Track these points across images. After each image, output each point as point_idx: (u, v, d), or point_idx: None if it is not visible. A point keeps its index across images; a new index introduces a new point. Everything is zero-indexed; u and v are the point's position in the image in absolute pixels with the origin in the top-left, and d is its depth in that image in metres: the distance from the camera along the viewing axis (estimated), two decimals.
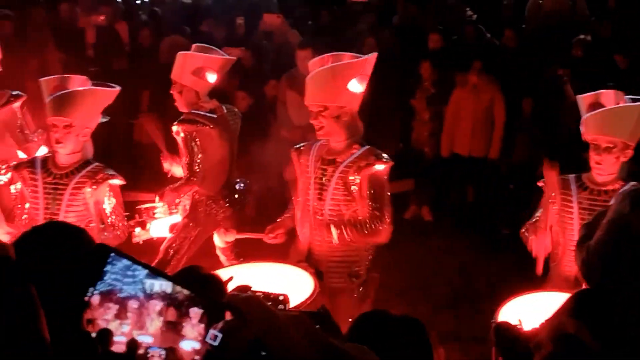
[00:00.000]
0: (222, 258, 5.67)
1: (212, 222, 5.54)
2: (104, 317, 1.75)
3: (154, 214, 5.22)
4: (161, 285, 1.74)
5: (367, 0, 9.13)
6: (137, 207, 5.26)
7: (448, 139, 7.95)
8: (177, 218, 5.40)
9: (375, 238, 4.48)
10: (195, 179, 5.35)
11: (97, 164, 4.63)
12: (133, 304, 1.75)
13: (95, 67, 8.10)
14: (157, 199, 5.26)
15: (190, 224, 5.44)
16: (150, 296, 1.75)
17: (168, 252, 5.39)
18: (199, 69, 5.33)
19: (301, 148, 4.69)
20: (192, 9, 9.67)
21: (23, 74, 7.47)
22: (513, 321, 2.94)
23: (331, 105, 4.43)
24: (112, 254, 1.77)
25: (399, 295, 6.22)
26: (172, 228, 5.36)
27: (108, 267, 1.76)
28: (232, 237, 5.43)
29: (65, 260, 2.37)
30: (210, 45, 5.80)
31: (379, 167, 4.41)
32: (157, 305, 1.74)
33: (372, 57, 4.49)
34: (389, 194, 4.48)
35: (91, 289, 1.77)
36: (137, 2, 10.46)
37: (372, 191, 4.42)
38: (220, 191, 5.48)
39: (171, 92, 5.47)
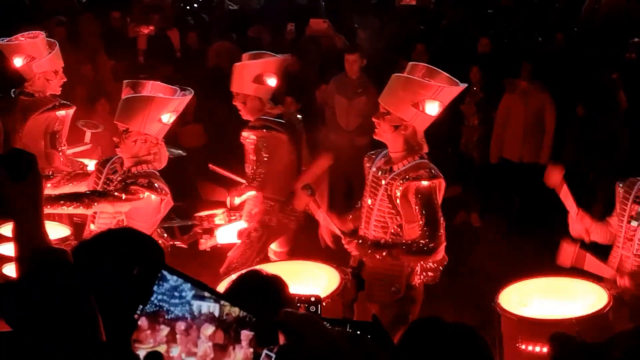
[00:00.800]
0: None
1: (283, 229, 5.52)
2: (153, 339, 1.72)
3: (214, 220, 5.24)
4: (209, 307, 1.72)
5: (416, 4, 9.05)
6: (197, 215, 5.27)
7: (497, 145, 7.85)
8: (243, 224, 5.38)
9: (427, 258, 4.42)
10: (256, 183, 5.34)
11: (147, 171, 4.59)
12: (181, 326, 1.72)
13: (145, 73, 8.18)
14: (228, 199, 5.29)
15: (259, 232, 5.39)
16: (198, 318, 1.72)
17: (232, 263, 5.34)
18: (258, 76, 5.37)
19: (372, 154, 4.69)
20: (239, 15, 9.70)
21: (74, 80, 7.62)
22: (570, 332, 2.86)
23: (393, 113, 4.40)
24: (163, 271, 1.75)
25: (446, 302, 6.16)
26: (240, 234, 5.35)
27: (155, 287, 1.73)
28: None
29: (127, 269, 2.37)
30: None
31: (425, 182, 4.33)
32: (207, 328, 1.71)
33: (453, 87, 4.43)
34: (438, 212, 4.39)
35: (141, 307, 1.76)
36: (186, 8, 10.52)
37: (421, 208, 4.34)
38: (290, 197, 5.43)
39: (234, 103, 5.50)
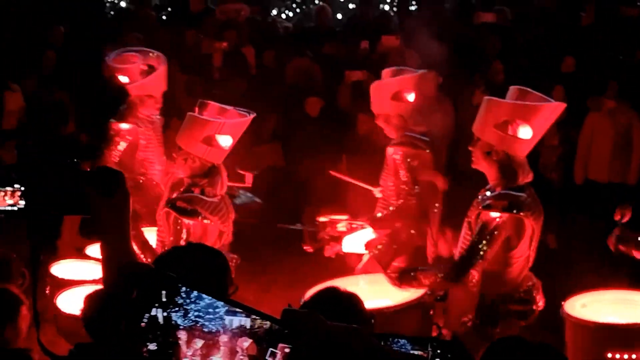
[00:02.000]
0: None
1: (410, 245, 5.45)
2: (191, 351, 1.82)
3: (336, 227, 5.19)
4: (240, 320, 1.81)
5: (495, 21, 8.91)
6: (320, 220, 5.26)
7: (582, 165, 7.65)
8: (371, 234, 5.34)
9: (445, 285, 4.39)
10: (412, 201, 5.32)
11: (189, 195, 4.68)
12: (218, 339, 1.82)
13: (219, 90, 8.22)
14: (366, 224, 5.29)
15: (388, 245, 5.32)
16: (231, 331, 1.81)
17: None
18: (397, 93, 5.32)
19: None
20: (315, 32, 9.70)
21: None
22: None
23: (482, 138, 4.26)
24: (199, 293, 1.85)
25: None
26: (368, 245, 5.30)
27: (192, 305, 1.84)
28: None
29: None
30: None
31: (494, 214, 4.16)
32: (242, 341, 1.81)
33: (548, 106, 4.25)
34: (485, 248, 4.19)
35: (147, 315, 1.85)
36: (261, 25, 10.56)
37: (474, 235, 4.20)
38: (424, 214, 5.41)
39: (376, 123, 5.47)
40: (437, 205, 5.45)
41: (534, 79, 8.05)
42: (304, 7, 12.99)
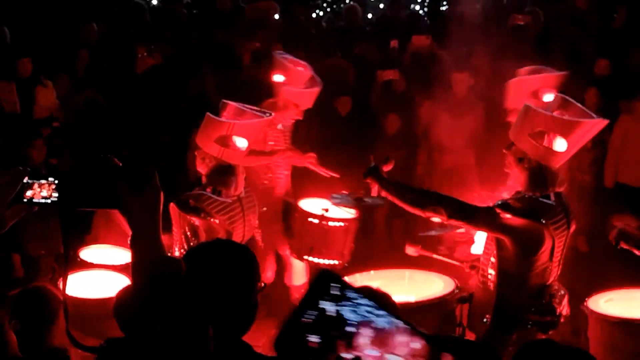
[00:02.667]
0: None
1: None
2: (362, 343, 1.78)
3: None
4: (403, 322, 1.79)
5: (526, 23, 8.83)
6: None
7: (613, 168, 7.57)
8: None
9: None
10: None
11: (196, 193, 4.74)
12: (390, 337, 1.77)
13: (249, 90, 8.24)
14: None
15: None
16: (401, 331, 1.77)
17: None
18: (535, 91, 5.23)
19: None
20: (346, 32, 9.69)
21: None
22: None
23: (516, 144, 4.22)
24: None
25: None
26: None
27: (362, 300, 1.80)
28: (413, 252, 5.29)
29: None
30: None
31: (508, 215, 4.13)
32: (414, 341, 1.76)
33: (587, 122, 4.15)
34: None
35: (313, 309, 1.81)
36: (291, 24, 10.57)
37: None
38: None
39: (508, 120, 5.31)
40: None
41: (566, 82, 8.04)
42: (334, 6, 13.01)
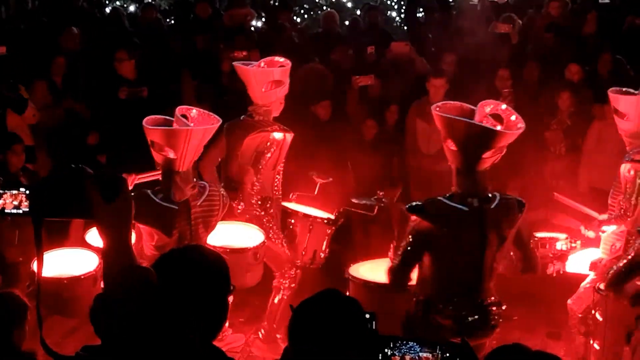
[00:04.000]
0: None
1: None
2: None
3: (555, 245, 5.18)
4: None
5: (507, 31, 8.91)
6: (540, 237, 5.24)
7: (587, 174, 7.66)
8: (598, 254, 5.20)
9: None
10: (631, 218, 5.13)
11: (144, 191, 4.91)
12: None
13: (228, 96, 8.26)
14: (582, 228, 5.32)
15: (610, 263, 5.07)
16: None
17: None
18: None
19: None
20: (322, 38, 9.73)
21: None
22: None
23: None
24: None
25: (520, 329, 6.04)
26: (593, 266, 5.15)
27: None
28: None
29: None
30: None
31: None
32: None
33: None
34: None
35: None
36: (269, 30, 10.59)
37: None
38: None
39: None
40: None
41: (541, 86, 8.14)
42: (311, 12, 13.04)
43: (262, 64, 6.03)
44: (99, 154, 7.67)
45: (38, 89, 7.95)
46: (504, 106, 4.50)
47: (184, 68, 8.88)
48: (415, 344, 2.60)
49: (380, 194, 6.21)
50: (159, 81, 8.44)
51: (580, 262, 5.20)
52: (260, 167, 5.88)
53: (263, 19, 10.76)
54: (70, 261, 5.26)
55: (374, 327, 2.92)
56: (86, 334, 4.18)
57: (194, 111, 5.03)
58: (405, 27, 10.72)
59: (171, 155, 4.79)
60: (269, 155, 5.88)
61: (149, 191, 4.84)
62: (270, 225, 5.91)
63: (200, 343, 2.41)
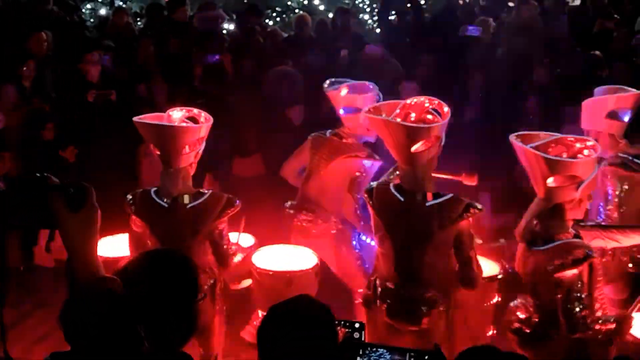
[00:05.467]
0: None
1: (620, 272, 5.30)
2: None
3: None
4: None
5: (478, 34, 8.97)
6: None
7: None
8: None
9: None
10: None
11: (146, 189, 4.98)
12: None
13: (200, 99, 8.22)
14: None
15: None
16: None
17: None
18: (612, 112, 5.22)
19: None
20: (294, 41, 9.72)
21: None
22: None
23: None
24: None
25: None
26: None
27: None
28: None
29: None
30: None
31: None
32: None
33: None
34: None
35: None
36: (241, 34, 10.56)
37: None
38: None
39: None
40: None
41: (510, 89, 8.19)
42: (284, 15, 13.02)
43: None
44: (60, 149, 7.55)
45: (5, 93, 7.86)
46: (436, 101, 4.61)
47: (156, 71, 8.83)
48: (385, 351, 2.62)
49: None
50: (129, 84, 8.40)
51: None
52: (358, 194, 5.63)
53: (233, 23, 10.73)
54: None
55: (362, 339, 2.92)
56: (56, 340, 4.15)
57: (181, 113, 4.99)
58: (378, 30, 10.74)
59: (157, 151, 4.81)
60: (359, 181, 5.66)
61: (149, 189, 4.90)
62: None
63: (169, 350, 2.39)
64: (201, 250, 4.78)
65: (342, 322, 2.95)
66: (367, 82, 5.77)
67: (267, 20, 12.47)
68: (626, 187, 5.20)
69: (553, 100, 7.68)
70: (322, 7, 13.05)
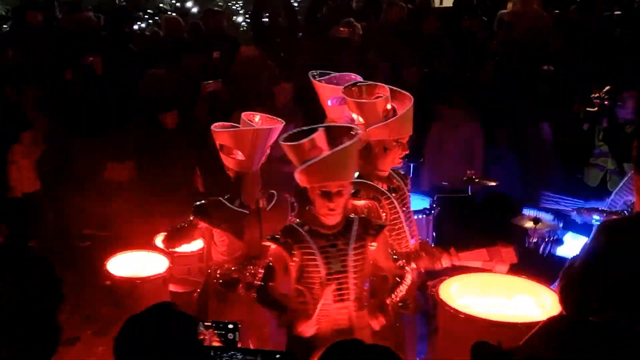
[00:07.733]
0: None
1: None
2: None
3: None
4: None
5: (346, 35, 9.12)
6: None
7: (429, 172, 7.87)
8: None
9: None
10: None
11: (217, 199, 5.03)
12: None
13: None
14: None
15: None
16: None
17: None
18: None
19: None
20: (171, 43, 9.60)
21: None
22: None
23: None
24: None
25: None
26: None
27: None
28: None
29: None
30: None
31: None
32: None
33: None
34: None
35: None
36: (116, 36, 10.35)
37: None
38: None
39: None
40: None
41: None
42: (156, 18, 12.84)
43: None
44: None
45: None
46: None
47: (28, 78, 8.53)
48: (237, 352, 2.70)
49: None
50: None
51: None
52: None
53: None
54: (141, 263, 5.77)
55: (235, 339, 2.97)
56: None
57: (258, 117, 5.08)
58: (252, 32, 10.75)
59: (240, 156, 4.85)
60: None
61: (221, 198, 4.94)
62: None
63: None
64: None
65: (214, 324, 2.99)
66: (352, 74, 5.81)
67: (138, 23, 12.27)
68: None
69: (423, 100, 7.89)
70: (195, 10, 12.95)
